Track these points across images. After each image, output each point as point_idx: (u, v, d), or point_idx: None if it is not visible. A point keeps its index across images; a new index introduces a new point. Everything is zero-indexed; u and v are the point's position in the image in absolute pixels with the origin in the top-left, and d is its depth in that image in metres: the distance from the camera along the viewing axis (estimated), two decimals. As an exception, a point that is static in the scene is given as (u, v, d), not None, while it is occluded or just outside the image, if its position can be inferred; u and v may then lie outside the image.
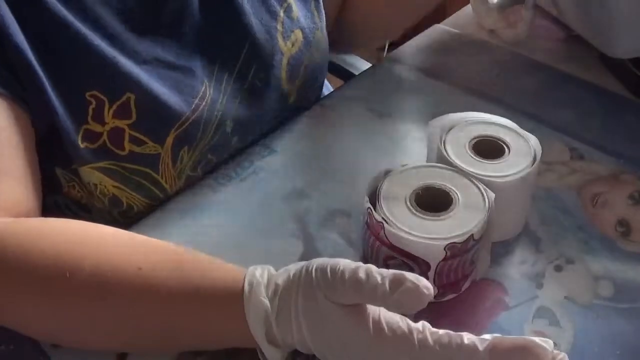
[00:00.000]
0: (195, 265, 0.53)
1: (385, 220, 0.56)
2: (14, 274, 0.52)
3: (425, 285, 0.46)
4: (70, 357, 0.55)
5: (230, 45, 0.71)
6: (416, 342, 0.46)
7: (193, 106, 0.67)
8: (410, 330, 0.46)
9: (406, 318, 0.47)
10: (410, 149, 0.74)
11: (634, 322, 0.59)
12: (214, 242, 0.66)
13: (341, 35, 0.89)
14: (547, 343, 0.45)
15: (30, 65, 0.58)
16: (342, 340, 0.47)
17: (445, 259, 0.56)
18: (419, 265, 0.56)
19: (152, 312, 0.51)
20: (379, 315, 0.47)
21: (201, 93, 0.68)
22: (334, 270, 0.47)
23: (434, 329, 0.47)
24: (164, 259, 0.53)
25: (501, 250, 0.64)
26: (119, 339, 0.53)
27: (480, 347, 0.45)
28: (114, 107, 0.63)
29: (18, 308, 0.53)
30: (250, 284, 0.49)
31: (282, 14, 0.74)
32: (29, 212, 0.59)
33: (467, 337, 0.46)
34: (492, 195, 0.58)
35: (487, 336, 0.46)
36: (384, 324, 0.46)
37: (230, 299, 0.50)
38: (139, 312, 0.51)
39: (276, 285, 0.49)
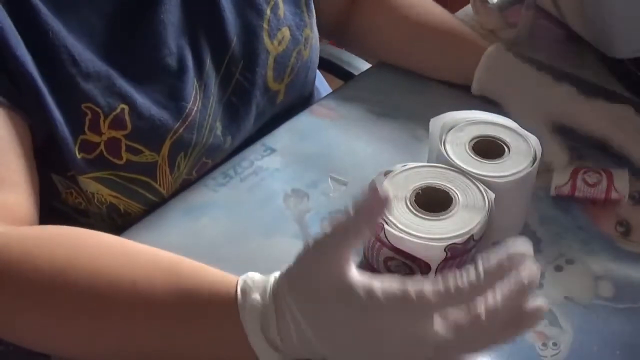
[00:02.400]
0: (190, 273, 0.52)
1: (385, 222, 0.56)
2: (8, 287, 0.51)
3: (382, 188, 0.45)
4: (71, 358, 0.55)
5: (215, 46, 0.70)
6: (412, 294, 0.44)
7: (186, 111, 0.67)
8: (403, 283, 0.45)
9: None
10: (410, 149, 0.74)
11: (634, 322, 0.59)
12: (214, 242, 0.66)
13: (347, 36, 0.89)
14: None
15: (30, 76, 0.59)
16: (340, 315, 0.46)
17: (445, 260, 0.56)
18: (419, 266, 0.56)
19: (149, 324, 0.50)
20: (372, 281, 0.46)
21: (192, 97, 0.68)
22: (306, 243, 0.47)
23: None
24: (159, 269, 0.52)
25: (501, 250, 0.63)
26: (118, 353, 0.52)
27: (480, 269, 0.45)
28: (109, 118, 0.63)
29: (14, 322, 0.53)
30: (243, 288, 0.49)
31: (268, 12, 0.73)
32: (27, 220, 0.59)
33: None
34: (492, 195, 0.58)
35: None
36: (377, 285, 0.45)
37: (227, 302, 0.49)
38: (136, 325, 0.51)
39: (270, 285, 0.49)
